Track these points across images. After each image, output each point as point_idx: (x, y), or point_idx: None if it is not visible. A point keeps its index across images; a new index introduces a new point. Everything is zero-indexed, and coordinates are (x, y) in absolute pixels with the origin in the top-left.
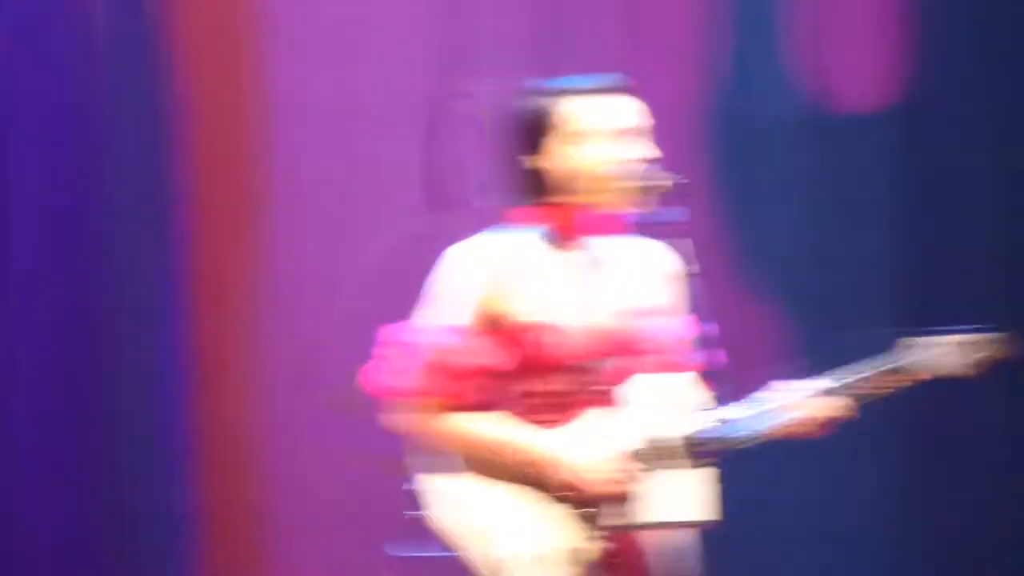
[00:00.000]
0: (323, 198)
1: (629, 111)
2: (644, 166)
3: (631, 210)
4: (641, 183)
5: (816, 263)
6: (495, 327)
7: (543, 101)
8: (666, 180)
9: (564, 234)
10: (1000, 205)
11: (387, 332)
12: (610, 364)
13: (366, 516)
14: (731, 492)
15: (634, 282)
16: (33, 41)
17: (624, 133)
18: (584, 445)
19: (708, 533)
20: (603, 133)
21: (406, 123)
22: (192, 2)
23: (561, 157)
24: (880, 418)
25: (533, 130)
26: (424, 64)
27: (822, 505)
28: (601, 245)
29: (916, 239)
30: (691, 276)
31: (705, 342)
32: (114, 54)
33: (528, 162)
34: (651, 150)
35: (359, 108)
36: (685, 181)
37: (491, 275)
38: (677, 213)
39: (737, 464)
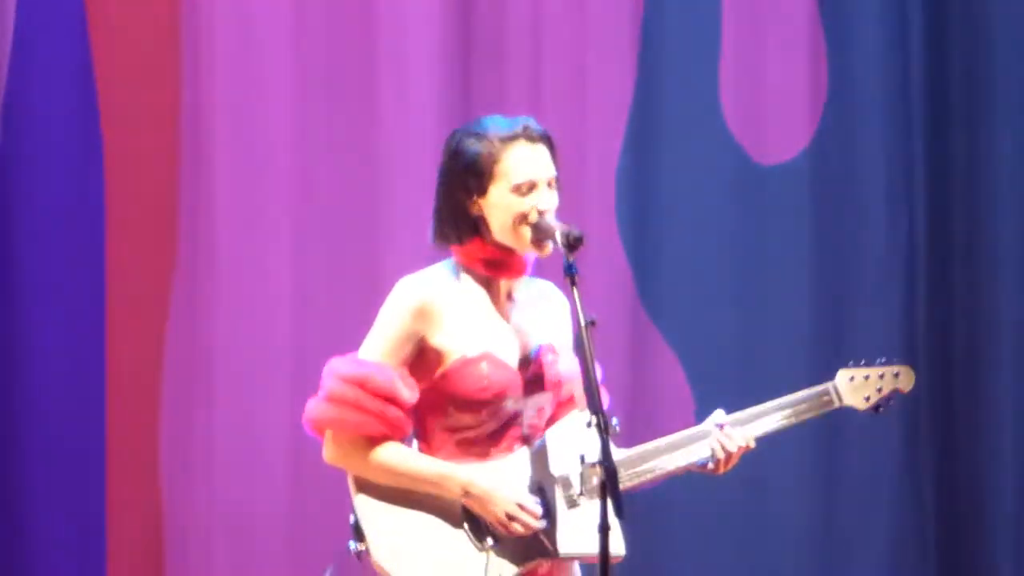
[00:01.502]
0: (245, 213)
1: (549, 161)
2: (554, 215)
3: (537, 255)
4: (555, 232)
5: (731, 307)
6: (420, 360)
7: (486, 147)
8: (575, 231)
9: (491, 272)
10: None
11: (331, 365)
12: (536, 401)
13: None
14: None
15: (550, 322)
16: None
17: (551, 183)
18: (511, 480)
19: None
20: (537, 182)
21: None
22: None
23: (500, 205)
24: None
25: (477, 174)
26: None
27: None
28: (519, 286)
29: (829, 279)
30: (589, 324)
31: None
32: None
33: (467, 202)
34: (555, 199)
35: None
36: (579, 234)
37: (423, 311)
38: (573, 263)
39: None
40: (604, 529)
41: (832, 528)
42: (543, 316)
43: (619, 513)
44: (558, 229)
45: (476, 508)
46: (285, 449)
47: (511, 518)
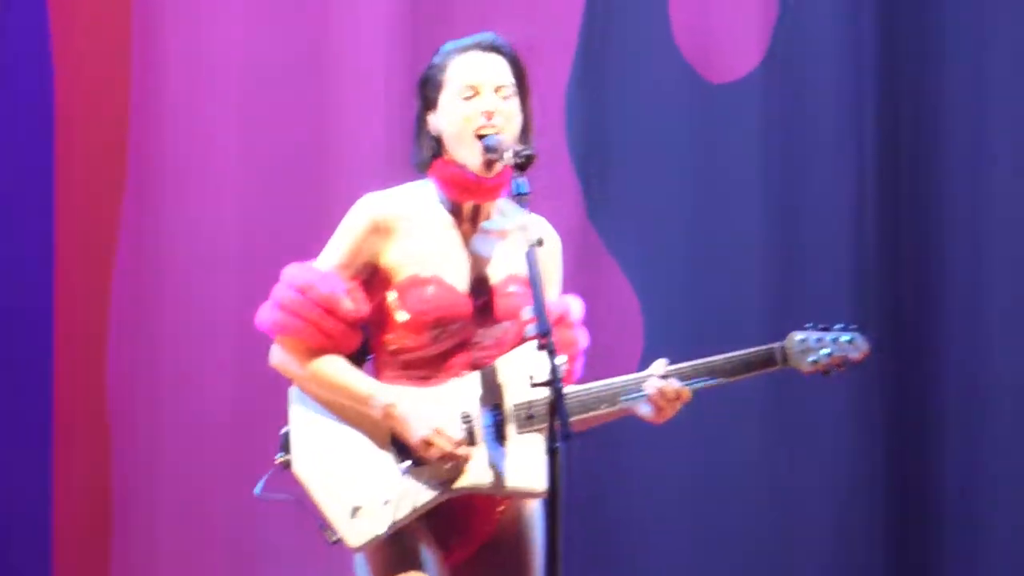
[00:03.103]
0: (196, 139)
1: (500, 69)
2: (501, 123)
3: (495, 176)
4: (505, 149)
5: (683, 226)
6: (373, 277)
7: (440, 59)
8: (527, 149)
9: (453, 194)
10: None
11: (286, 270)
12: (493, 331)
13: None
14: (599, 463)
15: (517, 253)
16: None
17: (499, 89)
18: (440, 407)
19: (573, 503)
20: (480, 87)
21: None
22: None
23: (447, 113)
24: (744, 401)
25: (429, 87)
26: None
27: (691, 478)
28: (495, 215)
29: (785, 216)
30: (536, 244)
31: (572, 322)
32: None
33: (427, 119)
34: (507, 108)
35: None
36: (530, 152)
37: (378, 226)
38: (527, 184)
39: (607, 437)
40: (552, 452)
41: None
42: (516, 249)
43: (566, 436)
44: (508, 147)
45: (397, 430)
46: (232, 361)
47: (427, 443)
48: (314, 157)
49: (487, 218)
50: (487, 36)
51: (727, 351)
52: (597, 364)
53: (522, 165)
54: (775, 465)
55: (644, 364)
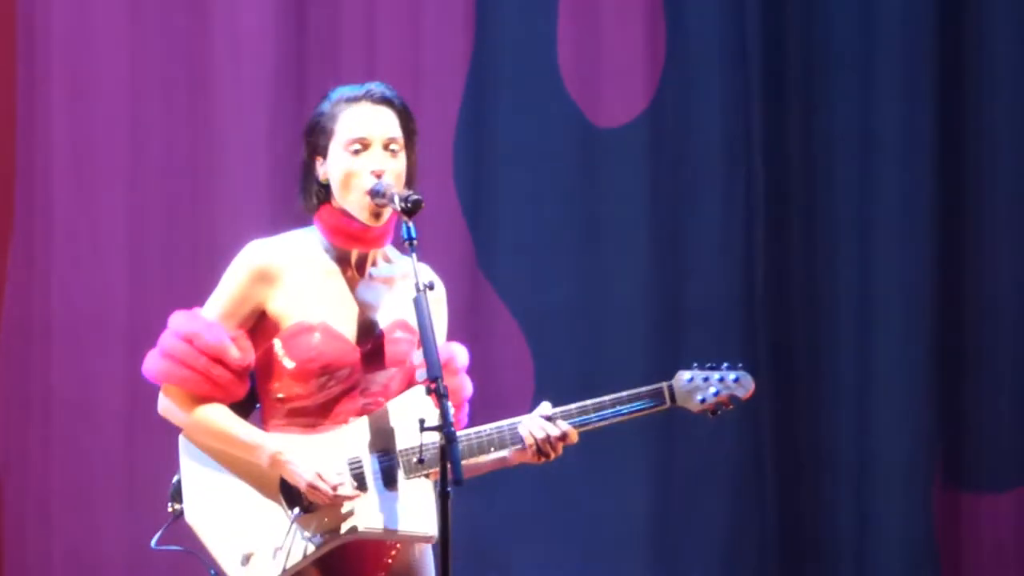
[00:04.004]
0: (82, 177)
1: (390, 123)
2: (390, 180)
3: (382, 224)
4: (392, 195)
5: (571, 270)
6: (259, 324)
7: (329, 107)
8: (414, 195)
9: (338, 242)
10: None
11: (172, 318)
12: (379, 377)
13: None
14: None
15: (404, 300)
16: None
17: (388, 144)
18: (323, 452)
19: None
20: (370, 141)
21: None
22: None
23: (335, 164)
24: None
25: (318, 133)
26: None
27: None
28: (381, 262)
29: (669, 253)
30: (426, 288)
31: (456, 368)
32: None
33: (315, 165)
34: (394, 163)
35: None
36: (417, 198)
37: (262, 274)
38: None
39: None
40: (444, 495)
41: (669, 518)
42: (403, 295)
43: (457, 479)
44: (395, 193)
45: (285, 476)
46: (119, 411)
47: (311, 487)
48: (199, 196)
49: (373, 264)
50: (377, 87)
51: (612, 386)
52: (489, 409)
53: (410, 211)
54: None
55: (536, 398)
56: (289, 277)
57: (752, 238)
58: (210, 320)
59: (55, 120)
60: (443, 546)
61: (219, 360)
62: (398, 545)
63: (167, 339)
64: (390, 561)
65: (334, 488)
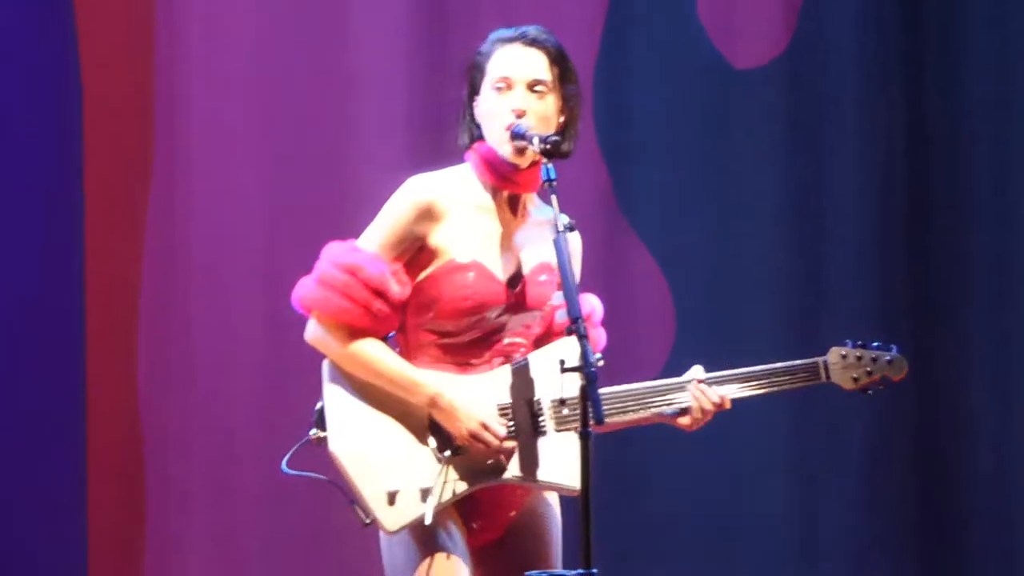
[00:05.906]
0: (220, 122)
1: (538, 65)
2: (532, 122)
3: (527, 165)
4: (532, 136)
5: (708, 213)
6: (415, 259)
7: (486, 47)
8: (553, 135)
9: (490, 179)
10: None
11: (328, 248)
12: (521, 318)
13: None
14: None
15: (546, 243)
16: None
17: (532, 85)
18: (483, 397)
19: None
20: (513, 81)
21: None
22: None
23: (483, 102)
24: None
25: (474, 72)
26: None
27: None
28: (531, 206)
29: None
30: (567, 229)
31: (594, 321)
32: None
33: (472, 103)
34: (539, 104)
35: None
36: (556, 139)
37: (426, 209)
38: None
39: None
40: (584, 436)
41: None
42: (545, 239)
43: (598, 419)
44: (535, 134)
45: (441, 420)
46: (260, 346)
47: (474, 436)
48: (335, 146)
49: (524, 208)
50: (532, 30)
51: (750, 338)
52: (629, 348)
53: (549, 152)
54: (800, 457)
55: (675, 348)
56: (451, 213)
57: (891, 178)
58: (370, 252)
59: (194, 56)
60: (584, 489)
61: (380, 293)
62: (529, 494)
63: (326, 269)
64: (522, 504)
65: (500, 440)
